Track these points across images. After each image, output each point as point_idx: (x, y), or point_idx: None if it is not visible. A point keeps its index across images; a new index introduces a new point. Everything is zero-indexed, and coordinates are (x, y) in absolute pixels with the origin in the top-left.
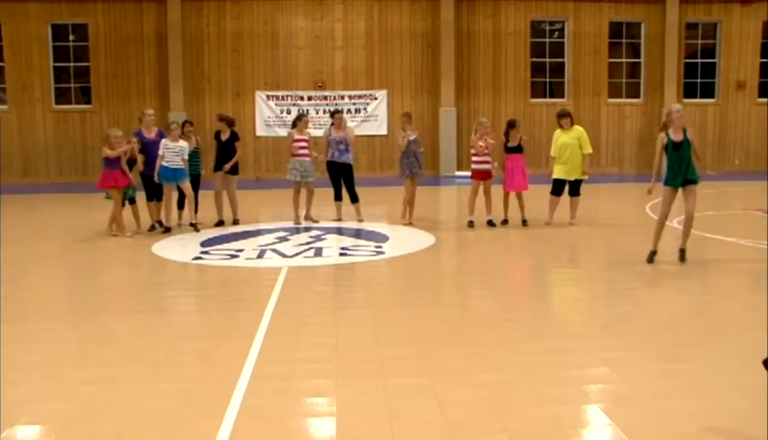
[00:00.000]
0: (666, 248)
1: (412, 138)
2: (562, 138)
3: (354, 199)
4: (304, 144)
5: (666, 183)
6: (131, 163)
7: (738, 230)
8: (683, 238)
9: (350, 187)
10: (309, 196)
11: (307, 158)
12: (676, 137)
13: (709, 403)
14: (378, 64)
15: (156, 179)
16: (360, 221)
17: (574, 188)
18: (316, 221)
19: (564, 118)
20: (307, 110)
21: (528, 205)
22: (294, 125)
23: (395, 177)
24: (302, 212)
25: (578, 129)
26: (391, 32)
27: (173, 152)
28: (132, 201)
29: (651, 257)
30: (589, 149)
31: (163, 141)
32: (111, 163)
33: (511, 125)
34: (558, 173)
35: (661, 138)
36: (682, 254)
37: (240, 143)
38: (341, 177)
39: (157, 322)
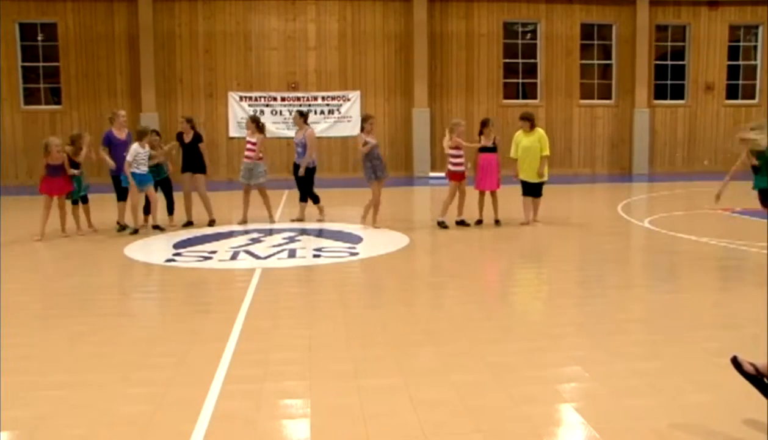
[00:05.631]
0: (637, 247)
1: (375, 140)
2: (524, 141)
3: (303, 198)
4: (251, 147)
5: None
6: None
7: (706, 230)
8: None
9: (307, 187)
10: (263, 199)
11: (252, 160)
12: None
13: (676, 400)
14: (351, 65)
15: (131, 183)
16: (320, 220)
17: (539, 189)
18: (274, 222)
19: (526, 121)
20: (281, 111)
21: (501, 205)
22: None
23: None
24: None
25: (539, 132)
26: (365, 33)
27: (144, 157)
28: (81, 201)
29: None
30: (547, 152)
31: (134, 147)
32: (53, 170)
33: (484, 124)
34: (524, 175)
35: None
36: None
37: (203, 144)
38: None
39: (128, 325)
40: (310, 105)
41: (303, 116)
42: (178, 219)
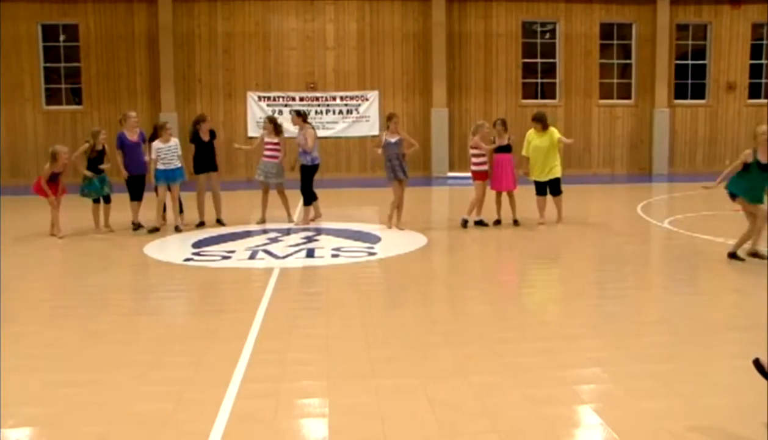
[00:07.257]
0: (656, 248)
1: (393, 140)
2: (535, 141)
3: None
4: (271, 146)
5: (744, 196)
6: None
7: (726, 231)
8: (757, 241)
9: (301, 187)
10: (281, 199)
11: (272, 160)
12: (763, 158)
13: (693, 402)
14: (369, 65)
15: (153, 182)
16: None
17: (554, 187)
18: (297, 224)
19: (538, 122)
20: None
21: (520, 204)
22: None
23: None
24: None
25: (552, 131)
26: (383, 33)
27: (169, 152)
28: (104, 201)
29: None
30: (559, 135)
31: (155, 144)
32: (54, 176)
33: (501, 124)
34: (535, 174)
35: (746, 155)
36: (756, 255)
37: (218, 140)
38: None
39: (147, 324)
40: (328, 105)
41: (301, 115)
42: (191, 219)
